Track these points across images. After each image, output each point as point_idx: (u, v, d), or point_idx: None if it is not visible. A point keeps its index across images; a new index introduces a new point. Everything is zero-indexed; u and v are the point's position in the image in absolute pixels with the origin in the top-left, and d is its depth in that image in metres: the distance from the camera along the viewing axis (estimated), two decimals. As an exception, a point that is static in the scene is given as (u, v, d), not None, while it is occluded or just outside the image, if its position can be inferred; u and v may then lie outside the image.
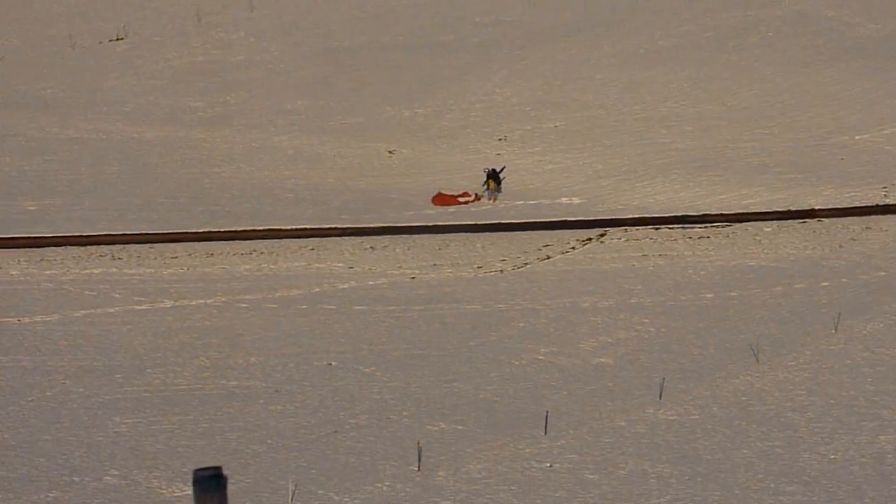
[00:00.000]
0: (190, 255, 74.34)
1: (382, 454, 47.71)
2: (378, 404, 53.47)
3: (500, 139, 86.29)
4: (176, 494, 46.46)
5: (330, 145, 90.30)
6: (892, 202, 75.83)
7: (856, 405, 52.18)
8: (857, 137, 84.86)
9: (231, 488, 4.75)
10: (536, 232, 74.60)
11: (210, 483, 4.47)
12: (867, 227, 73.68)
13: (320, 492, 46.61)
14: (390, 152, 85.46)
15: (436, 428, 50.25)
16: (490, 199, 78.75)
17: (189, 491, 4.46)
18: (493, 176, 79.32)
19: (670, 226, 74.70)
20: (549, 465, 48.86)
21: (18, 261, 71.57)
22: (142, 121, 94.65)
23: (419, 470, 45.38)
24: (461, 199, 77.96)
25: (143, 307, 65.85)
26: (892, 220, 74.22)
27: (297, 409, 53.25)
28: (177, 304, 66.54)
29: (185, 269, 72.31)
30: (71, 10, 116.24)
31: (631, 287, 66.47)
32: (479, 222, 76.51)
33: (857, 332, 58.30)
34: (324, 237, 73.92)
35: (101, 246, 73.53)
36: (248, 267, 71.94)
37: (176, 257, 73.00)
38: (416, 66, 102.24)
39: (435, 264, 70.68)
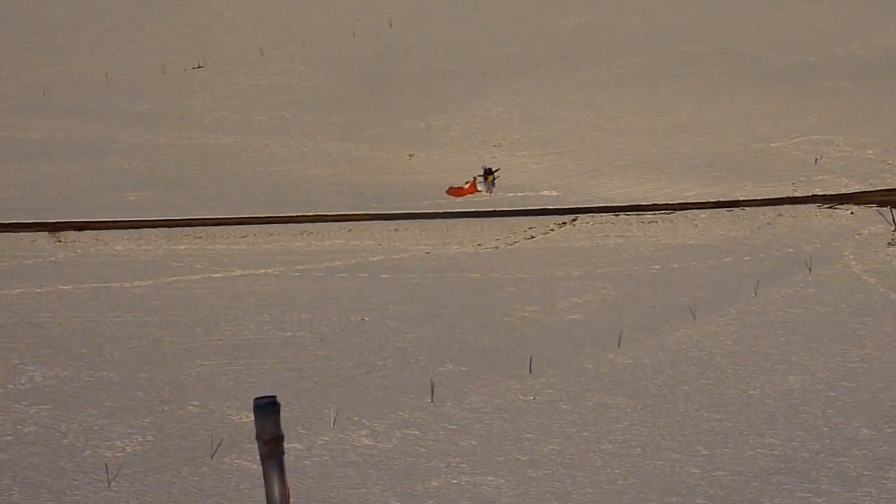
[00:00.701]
0: (255, 234, 74.10)
1: (403, 389, 48.58)
2: (400, 351, 53.90)
3: (494, 145, 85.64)
4: (243, 420, 45.50)
5: (363, 150, 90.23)
6: (798, 195, 75.57)
7: (770, 352, 52.72)
8: (770, 145, 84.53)
9: (286, 415, 4.72)
10: (523, 217, 74.03)
11: (267, 408, 4.38)
12: (779, 214, 73.17)
13: (355, 418, 46.25)
14: (410, 155, 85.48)
15: (445, 369, 50.72)
16: (487, 191, 78.53)
17: (252, 417, 4.37)
18: (489, 172, 79.77)
19: (626, 213, 74.10)
20: (532, 398, 47.55)
21: (122, 239, 71.72)
22: (217, 130, 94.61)
23: (432, 401, 46.51)
24: (466, 188, 78.71)
25: (219, 275, 65.52)
26: (799, 209, 74.08)
27: (338, 354, 53.59)
28: (245, 272, 66.49)
29: (251, 245, 71.90)
30: (163, 44, 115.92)
31: (596, 260, 66.00)
32: (478, 210, 76.28)
33: (771, 296, 58.02)
34: (358, 221, 73.38)
35: (186, 227, 73.58)
36: (299, 244, 71.17)
37: (244, 236, 72.97)
38: (429, 90, 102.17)
39: (444, 242, 70.11)
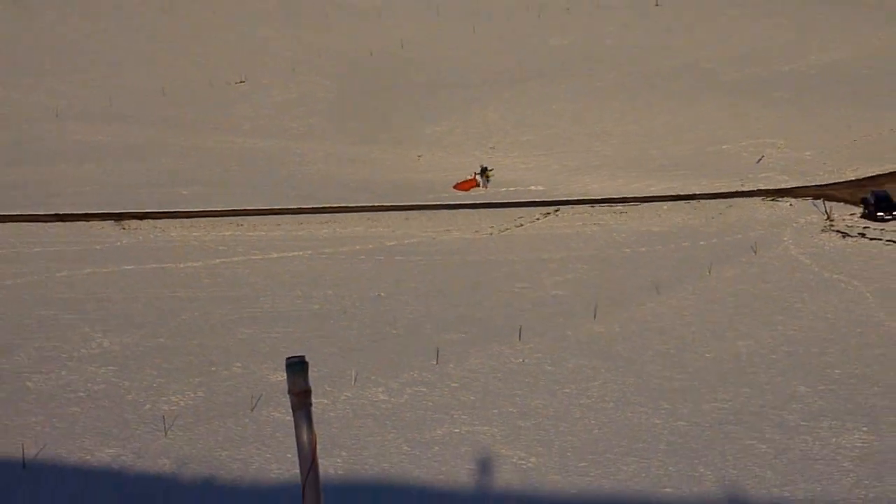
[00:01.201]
0: (287, 223, 74.24)
1: (413, 353, 49.25)
2: (411, 321, 54.44)
3: (490, 147, 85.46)
4: (278, 379, 46.55)
5: (378, 152, 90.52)
6: (745, 189, 75.79)
7: (722, 322, 53.34)
8: (722, 147, 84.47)
9: (313, 375, 4.76)
10: (514, 209, 74.34)
11: (297, 366, 4.40)
12: (729, 206, 72.69)
13: (372, 377, 46.31)
14: (419, 156, 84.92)
15: (448, 336, 51.25)
16: (483, 186, 78.90)
17: (285, 375, 4.43)
18: (485, 170, 79.91)
19: (601, 205, 73.51)
20: (521, 360, 48.11)
21: (176, 227, 71.60)
22: (255, 136, 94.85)
23: (437, 363, 47.28)
24: (469, 182, 79.08)
25: (258, 257, 65.66)
26: (746, 201, 74.22)
27: (358, 324, 54.04)
28: (279, 255, 66.30)
29: (285, 232, 72.45)
30: (209, 61, 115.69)
31: (575, 245, 66.29)
32: (475, 202, 75.89)
33: (723, 275, 58.20)
34: (375, 212, 73.89)
35: (230, 217, 73.56)
36: (325, 231, 71.56)
37: (279, 225, 72.79)
38: (434, 100, 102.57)
39: (447, 229, 70.31)
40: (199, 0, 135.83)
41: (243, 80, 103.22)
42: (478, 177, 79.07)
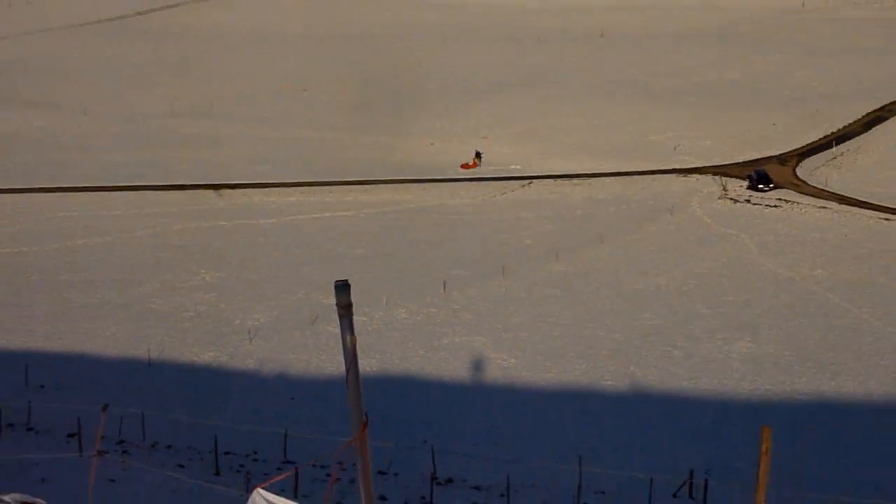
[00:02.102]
0: (337, 192, 72.98)
1: (427, 285, 48.77)
2: (426, 261, 53.68)
3: (483, 137, 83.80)
4: (331, 302, 47.75)
5: (401, 141, 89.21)
6: (665, 168, 74.55)
7: (647, 264, 52.46)
8: (650, 138, 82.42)
9: (355, 299, 4.54)
10: (499, 182, 72.55)
11: (343, 287, 4.19)
12: (654, 180, 72.31)
13: (398, 302, 45.76)
14: (431, 143, 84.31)
15: (453, 273, 50.34)
16: (478, 165, 77.97)
17: (335, 296, 4.24)
18: (478, 154, 78.91)
19: (562, 179, 72.72)
20: (504, 290, 48.24)
21: (258, 194, 70.20)
22: (312, 129, 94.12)
23: (444, 292, 47.03)
24: (471, 164, 78.18)
25: (316, 215, 64.82)
26: (665, 177, 72.74)
27: (387, 264, 53.08)
28: (332, 214, 65.37)
29: (334, 198, 70.49)
30: (281, 75, 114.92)
31: (543, 208, 65.39)
32: (472, 177, 75.33)
33: (648, 230, 57.51)
34: (400, 184, 72.15)
35: (295, 187, 72.32)
36: (364, 197, 70.17)
37: (331, 192, 71.23)
38: (443, 103, 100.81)
39: (452, 197, 68.82)
40: (277, 36, 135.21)
41: (305, 88, 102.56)
42: (476, 159, 78.77)
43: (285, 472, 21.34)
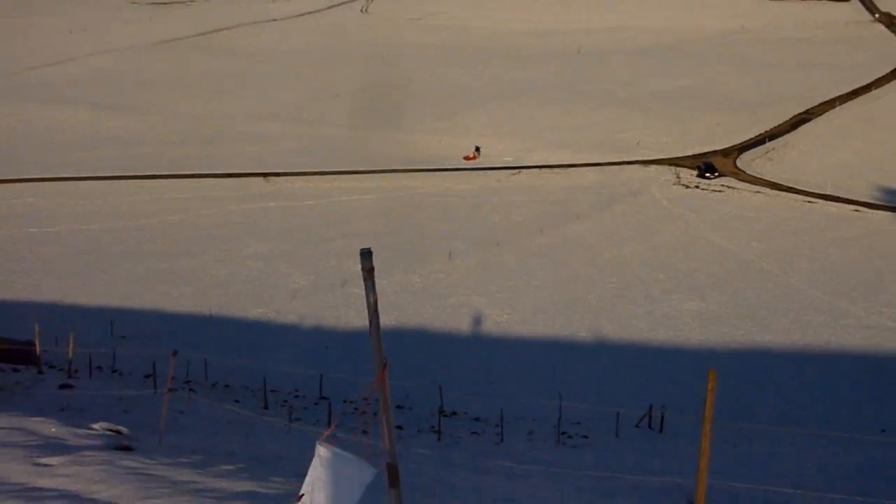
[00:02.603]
0: (363, 178, 71.07)
1: (435, 254, 48.74)
2: (437, 236, 53.45)
3: (481, 136, 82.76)
4: (357, 269, 47.95)
5: (415, 138, 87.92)
6: (630, 160, 74.23)
7: (614, 237, 51.96)
8: (615, 136, 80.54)
9: (376, 266, 4.67)
10: (494, 171, 71.34)
11: (367, 254, 4.29)
12: (621, 170, 70.50)
13: (411, 268, 45.14)
14: (440, 140, 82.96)
15: (456, 245, 50.03)
16: (478, 158, 77.58)
17: (360, 262, 4.37)
18: (477, 149, 78.69)
19: (546, 169, 71.67)
20: (498, 259, 47.79)
21: (300, 181, 68.97)
22: (339, 127, 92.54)
23: (450, 260, 46.94)
24: (472, 158, 76.45)
25: (345, 198, 63.88)
26: (630, 167, 69.97)
27: (401, 236, 52.45)
28: (358, 197, 64.52)
29: (359, 183, 69.38)
30: (315, 84, 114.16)
31: (530, 193, 64.85)
32: (474, 167, 74.67)
33: (616, 210, 56.96)
34: (414, 172, 70.74)
35: (328, 175, 71.84)
36: (384, 184, 68.94)
37: (357, 179, 70.36)
38: (450, 108, 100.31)
39: (457, 183, 68.31)
40: (316, 54, 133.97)
41: (339, 94, 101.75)
42: (475, 152, 77.37)
43: (323, 410, 21.48)
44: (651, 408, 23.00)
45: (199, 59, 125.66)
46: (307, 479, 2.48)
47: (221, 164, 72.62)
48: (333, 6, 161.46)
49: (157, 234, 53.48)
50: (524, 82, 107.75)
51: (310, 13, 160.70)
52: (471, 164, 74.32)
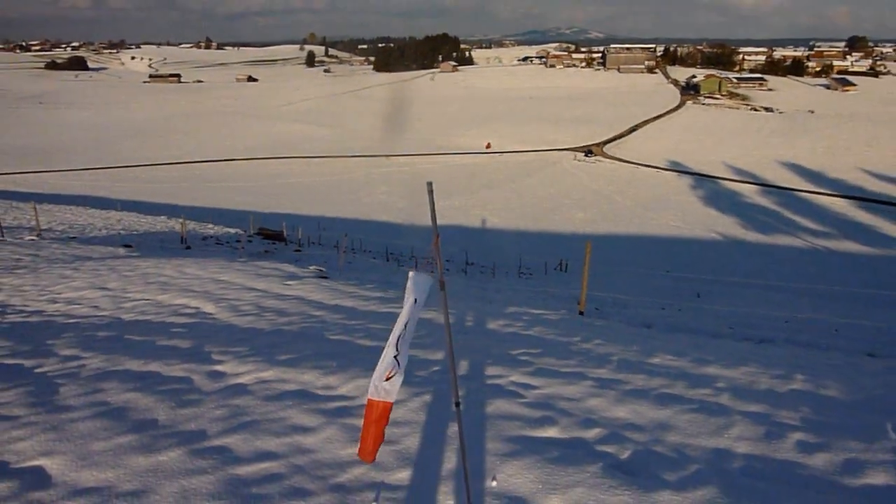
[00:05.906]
0: (436, 157, 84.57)
1: (465, 191, 58.13)
2: (464, 182, 63.69)
3: (489, 137, 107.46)
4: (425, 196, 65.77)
5: (450, 138, 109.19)
6: (557, 148, 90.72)
7: (546, 184, 60.42)
8: (552, 137, 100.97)
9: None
10: (494, 153, 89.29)
11: (430, 185, 4.52)
12: (549, 154, 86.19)
13: (452, 197, 50.68)
14: (461, 136, 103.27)
15: (474, 186, 60.03)
16: (491, 147, 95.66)
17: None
18: (489, 144, 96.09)
19: (516, 153, 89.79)
20: (493, 192, 54.63)
21: (403, 158, 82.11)
22: (423, 134, 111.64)
23: (471, 193, 54.01)
24: (488, 147, 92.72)
25: (426, 166, 73.05)
26: (556, 153, 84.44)
27: (448, 182, 62.27)
28: (432, 165, 73.68)
29: (434, 159, 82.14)
30: (415, 114, 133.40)
31: (508, 164, 77.06)
32: (486, 151, 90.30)
33: (545, 171, 65.33)
34: (448, 155, 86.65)
35: (421, 156, 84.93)
36: (444, 160, 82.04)
37: (432, 157, 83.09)
38: (472, 122, 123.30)
39: (475, 161, 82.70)
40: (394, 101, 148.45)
41: (420, 118, 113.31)
42: (489, 144, 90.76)
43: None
44: (561, 261, 26.89)
45: (355, 102, 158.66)
46: (407, 286, 3.61)
47: (357, 149, 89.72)
48: (417, 78, 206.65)
49: (344, 184, 62.82)
50: (506, 112, 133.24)
51: (404, 81, 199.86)
52: (488, 151, 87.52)
